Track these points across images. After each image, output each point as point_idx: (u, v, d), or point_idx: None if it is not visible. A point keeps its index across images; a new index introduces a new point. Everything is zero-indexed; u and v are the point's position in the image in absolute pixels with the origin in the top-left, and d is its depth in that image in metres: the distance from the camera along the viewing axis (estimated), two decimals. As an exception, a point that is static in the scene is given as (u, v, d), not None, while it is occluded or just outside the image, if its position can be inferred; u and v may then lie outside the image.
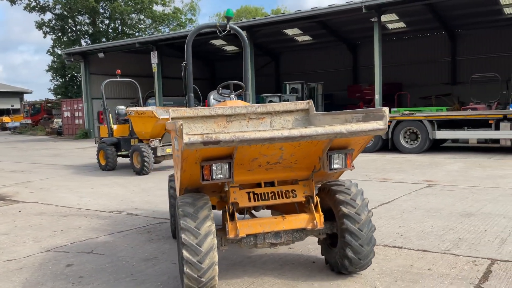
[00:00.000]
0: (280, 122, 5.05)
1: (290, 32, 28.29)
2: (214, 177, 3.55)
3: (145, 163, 11.28)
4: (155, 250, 5.14)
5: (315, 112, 4.95)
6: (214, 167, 3.53)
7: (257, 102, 20.65)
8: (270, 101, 22.88)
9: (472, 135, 12.59)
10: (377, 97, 17.73)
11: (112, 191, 9.26)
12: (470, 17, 23.84)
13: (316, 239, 4.40)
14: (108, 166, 12.60)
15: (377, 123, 3.44)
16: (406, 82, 27.19)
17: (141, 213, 7.14)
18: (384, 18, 22.28)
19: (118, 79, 13.86)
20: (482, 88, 19.82)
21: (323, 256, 4.39)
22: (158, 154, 11.67)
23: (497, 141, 12.58)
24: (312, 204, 3.97)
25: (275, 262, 4.54)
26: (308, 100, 5.08)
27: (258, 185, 4.04)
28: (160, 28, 41.75)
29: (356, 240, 3.81)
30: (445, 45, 26.72)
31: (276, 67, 33.40)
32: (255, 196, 3.94)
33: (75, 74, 40.99)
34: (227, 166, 3.55)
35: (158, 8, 40.25)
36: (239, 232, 3.77)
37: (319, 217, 3.92)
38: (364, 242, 3.82)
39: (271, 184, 4.04)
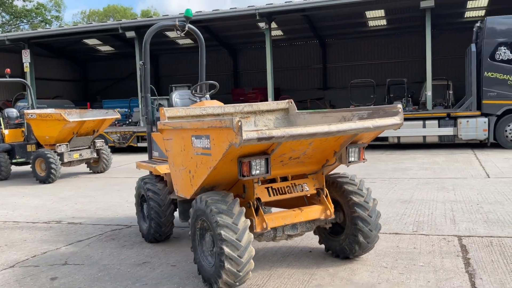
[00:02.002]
0: (263, 121, 5.23)
1: (171, 34, 28.07)
2: (253, 173, 3.63)
3: (52, 170, 10.40)
4: (139, 255, 4.94)
5: (297, 111, 5.24)
6: (253, 163, 3.62)
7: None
8: (160, 105, 22.44)
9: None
10: (270, 100, 18.61)
11: (28, 202, 8.42)
12: (339, 28, 26.25)
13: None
14: (1, 176, 11.32)
15: (395, 119, 3.87)
16: (284, 86, 28.83)
17: (84, 221, 6.68)
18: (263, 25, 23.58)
19: (7, 80, 12.53)
20: (357, 92, 22.01)
21: (321, 245, 4.70)
22: (65, 160, 10.84)
23: (385, 139, 14.16)
24: (323, 196, 4.25)
25: (274, 255, 4.71)
26: (288, 100, 5.35)
27: (271, 180, 4.19)
28: (19, 24, 38.00)
29: (367, 225, 4.19)
30: (317, 53, 28.94)
31: (156, 69, 32.79)
32: (274, 191, 4.10)
33: None
34: (264, 161, 3.66)
35: (18, 3, 36.65)
36: (268, 225, 3.90)
37: (331, 208, 4.22)
38: (373, 227, 4.22)
39: (284, 179, 4.23)
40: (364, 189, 4.29)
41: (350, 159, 4.04)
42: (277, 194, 4.09)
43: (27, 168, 12.00)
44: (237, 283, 3.70)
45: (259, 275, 4.16)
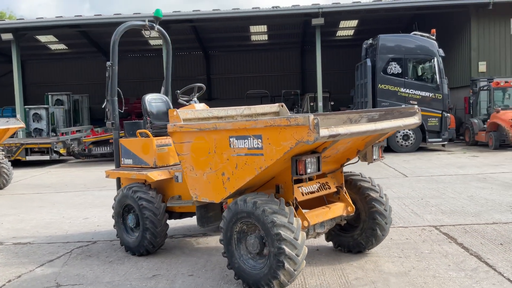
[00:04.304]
0: (258, 123, 5.24)
1: (43, 39, 25.87)
2: (307, 171, 3.67)
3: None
4: (140, 269, 4.57)
5: (288, 114, 5.36)
6: (308, 161, 3.66)
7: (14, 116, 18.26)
8: (36, 114, 20.50)
9: None
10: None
11: None
12: (223, 40, 26.85)
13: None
14: None
15: (415, 118, 4.23)
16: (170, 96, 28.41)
17: (33, 241, 5.91)
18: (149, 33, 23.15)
19: None
20: (253, 103, 22.67)
21: (326, 243, 4.87)
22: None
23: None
24: (343, 193, 4.44)
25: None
26: (280, 104, 5.45)
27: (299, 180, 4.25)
28: None
29: (383, 219, 4.48)
30: (201, 64, 29.15)
31: (22, 76, 29.76)
32: (304, 190, 4.16)
33: None
34: (315, 160, 3.73)
35: None
36: (310, 223, 3.95)
37: (351, 204, 4.43)
38: (388, 220, 4.52)
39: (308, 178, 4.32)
40: (377, 186, 4.58)
41: (374, 157, 4.30)
42: (307, 194, 4.17)
43: None
44: (289, 283, 3.69)
45: (290, 275, 4.17)
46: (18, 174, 13.01)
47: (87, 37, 25.35)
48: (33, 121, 20.16)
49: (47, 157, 14.60)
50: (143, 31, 6.04)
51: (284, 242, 3.54)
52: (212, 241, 5.46)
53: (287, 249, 3.53)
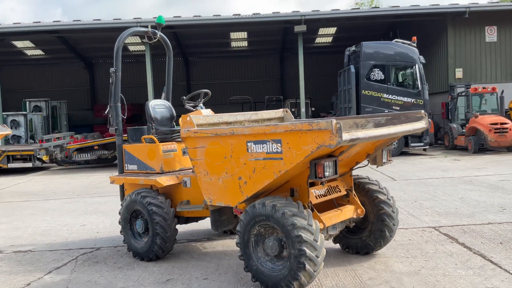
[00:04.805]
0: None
1: (19, 44, 25.41)
2: (326, 174, 3.77)
3: None
4: (152, 274, 4.58)
5: (293, 119, 5.47)
6: (326, 165, 3.76)
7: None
8: (13, 120, 20.11)
9: None
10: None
11: None
12: (203, 46, 26.87)
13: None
14: None
15: (422, 123, 4.38)
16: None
17: (34, 248, 5.85)
18: (128, 40, 23.13)
19: None
20: (236, 109, 22.76)
21: (336, 244, 4.99)
22: None
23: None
24: (353, 196, 4.56)
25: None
26: (284, 109, 5.56)
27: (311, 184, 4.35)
28: None
29: (391, 221, 4.62)
30: (181, 70, 29.06)
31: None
32: (317, 193, 4.27)
33: None
34: (332, 163, 3.84)
35: None
36: (325, 225, 4.05)
37: (361, 206, 4.55)
38: (395, 222, 4.66)
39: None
40: (384, 188, 4.73)
41: (384, 160, 4.45)
42: (321, 196, 4.28)
43: None
44: (308, 284, 3.78)
45: (304, 277, 4.25)
46: (1, 182, 12.75)
47: (66, 42, 25.02)
48: (11, 128, 19.73)
49: (29, 165, 14.32)
50: (145, 37, 6.06)
51: (304, 244, 3.63)
52: (218, 245, 5.51)
53: (307, 251, 3.62)
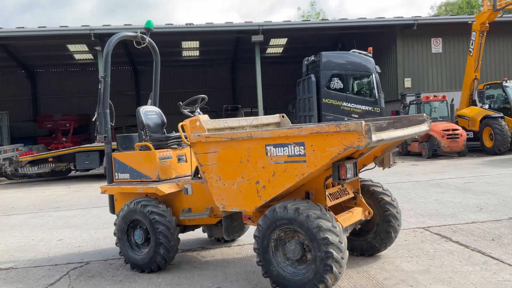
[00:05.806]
0: (262, 134, 5.31)
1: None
2: (348, 176, 3.80)
3: None
4: (158, 286, 4.40)
5: (290, 124, 5.49)
6: (348, 166, 3.80)
7: None
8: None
9: None
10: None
11: None
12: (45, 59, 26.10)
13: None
14: None
15: (425, 126, 4.54)
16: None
17: (16, 265, 5.46)
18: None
19: None
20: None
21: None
22: None
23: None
24: (360, 198, 4.63)
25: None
26: (281, 114, 5.56)
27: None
28: None
29: (396, 221, 4.72)
30: (130, 79, 28.41)
31: None
32: (331, 196, 4.30)
33: None
34: (352, 165, 3.88)
35: None
36: (342, 227, 4.07)
37: (369, 208, 4.62)
38: (400, 223, 4.77)
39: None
40: (388, 190, 4.83)
41: (391, 162, 4.55)
42: (332, 200, 4.30)
43: None
44: (333, 286, 3.77)
45: (319, 280, 4.25)
46: None
47: (6, 50, 23.76)
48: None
49: (-24, 179, 13.39)
50: (134, 43, 5.89)
51: (331, 246, 3.63)
52: (216, 254, 5.40)
53: (334, 253, 3.62)
